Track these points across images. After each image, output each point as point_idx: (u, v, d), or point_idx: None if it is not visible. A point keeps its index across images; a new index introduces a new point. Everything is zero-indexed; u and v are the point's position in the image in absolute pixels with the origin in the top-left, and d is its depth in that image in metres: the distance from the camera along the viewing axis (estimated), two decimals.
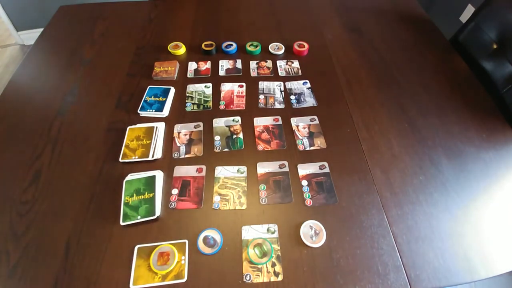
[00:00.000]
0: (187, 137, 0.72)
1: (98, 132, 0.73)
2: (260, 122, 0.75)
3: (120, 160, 0.67)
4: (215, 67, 0.89)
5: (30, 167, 0.67)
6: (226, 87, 0.84)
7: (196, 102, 0.80)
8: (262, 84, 0.85)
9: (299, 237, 0.57)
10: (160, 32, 1.01)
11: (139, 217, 0.58)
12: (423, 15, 1.09)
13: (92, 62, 0.91)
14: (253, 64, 0.90)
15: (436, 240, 0.57)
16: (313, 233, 0.57)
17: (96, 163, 0.67)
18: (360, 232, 0.58)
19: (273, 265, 0.54)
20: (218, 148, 0.70)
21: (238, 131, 0.74)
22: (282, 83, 0.85)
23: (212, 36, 0.98)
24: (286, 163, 0.67)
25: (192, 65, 0.90)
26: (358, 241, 0.56)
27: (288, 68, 0.89)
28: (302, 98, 0.81)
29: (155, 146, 0.69)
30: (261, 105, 0.80)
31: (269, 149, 0.70)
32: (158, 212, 0.59)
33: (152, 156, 0.67)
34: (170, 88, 0.82)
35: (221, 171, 0.66)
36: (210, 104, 0.80)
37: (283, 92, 0.83)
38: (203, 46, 0.93)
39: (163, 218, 0.59)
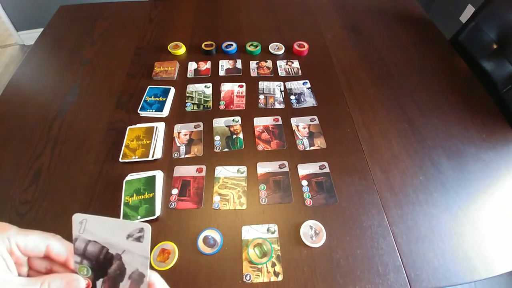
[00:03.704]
0: (187, 137, 0.72)
1: (98, 132, 0.73)
2: (260, 122, 0.75)
3: (120, 160, 0.67)
4: (215, 67, 0.89)
5: (30, 167, 0.67)
6: (226, 87, 0.84)
7: (196, 102, 0.80)
8: (262, 84, 0.85)
9: (299, 237, 0.56)
10: (160, 32, 1.01)
11: (139, 217, 0.58)
12: (423, 15, 1.09)
13: (92, 62, 0.91)
14: (253, 64, 0.90)
15: (436, 240, 0.57)
16: (313, 233, 0.57)
17: (96, 163, 0.67)
18: (360, 232, 0.58)
19: (273, 265, 0.54)
20: (218, 148, 0.70)
21: (238, 131, 0.74)
22: (282, 83, 0.85)
23: (212, 36, 0.98)
24: (286, 163, 0.67)
25: (192, 65, 0.90)
26: (358, 241, 0.56)
27: (288, 68, 0.89)
28: (302, 98, 0.81)
29: (155, 146, 0.69)
30: (261, 105, 0.80)
31: (269, 149, 0.70)
32: (158, 212, 0.59)
33: (152, 156, 0.67)
34: (170, 88, 0.82)
35: (221, 171, 0.66)
36: (210, 104, 0.80)
37: (283, 92, 0.83)
38: (203, 46, 0.93)
39: (163, 218, 0.59)
